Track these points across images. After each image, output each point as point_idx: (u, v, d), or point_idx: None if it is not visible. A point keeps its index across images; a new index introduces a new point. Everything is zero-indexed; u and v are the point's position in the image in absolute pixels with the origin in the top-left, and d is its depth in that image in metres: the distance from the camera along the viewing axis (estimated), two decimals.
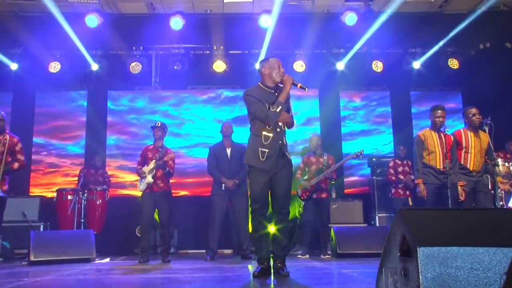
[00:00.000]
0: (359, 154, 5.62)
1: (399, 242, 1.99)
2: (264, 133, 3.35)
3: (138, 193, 6.92)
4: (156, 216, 5.50)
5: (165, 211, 5.18)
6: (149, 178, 5.15)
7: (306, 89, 3.36)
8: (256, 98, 3.37)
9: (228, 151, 5.58)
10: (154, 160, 5.21)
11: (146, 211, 5.11)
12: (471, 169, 4.57)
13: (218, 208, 5.48)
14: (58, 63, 7.12)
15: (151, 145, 5.41)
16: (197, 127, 7.61)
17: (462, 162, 4.61)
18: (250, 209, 3.48)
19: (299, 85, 3.35)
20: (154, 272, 4.08)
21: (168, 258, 5.14)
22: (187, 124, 7.60)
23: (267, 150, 3.33)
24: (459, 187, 4.44)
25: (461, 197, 4.41)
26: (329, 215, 5.97)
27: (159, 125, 5.35)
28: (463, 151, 4.62)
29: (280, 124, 3.39)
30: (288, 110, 3.45)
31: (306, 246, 5.67)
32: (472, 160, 4.57)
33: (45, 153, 7.42)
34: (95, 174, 6.59)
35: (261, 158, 3.32)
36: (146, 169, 5.22)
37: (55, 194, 6.11)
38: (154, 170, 5.17)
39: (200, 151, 7.33)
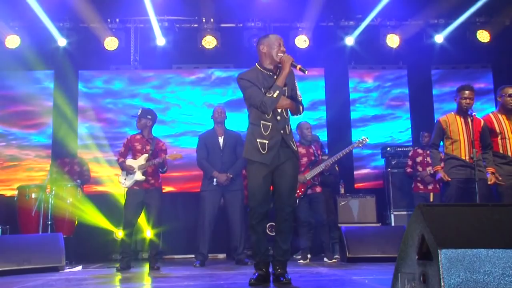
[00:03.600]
0: (362, 141, 5.61)
1: (417, 244, 1.98)
2: (263, 122, 3.35)
3: (115, 189, 6.91)
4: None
5: (156, 211, 5.15)
6: (140, 175, 5.08)
7: (306, 71, 3.35)
8: (250, 82, 3.36)
9: (221, 140, 5.57)
10: (145, 155, 5.14)
11: (131, 210, 5.07)
12: None
13: (209, 206, 5.47)
14: (18, 37, 7.03)
15: (138, 134, 5.31)
16: (184, 113, 7.58)
17: (501, 151, 4.55)
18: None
19: (298, 66, 3.35)
20: (134, 281, 4.07)
21: (157, 264, 5.12)
22: (173, 109, 7.57)
23: (266, 141, 3.33)
24: (489, 174, 4.41)
25: (489, 182, 4.39)
26: (330, 212, 5.97)
27: (139, 112, 5.26)
28: (499, 137, 4.58)
29: (280, 111, 3.36)
30: (294, 94, 3.42)
31: (306, 250, 5.69)
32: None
33: (3, 143, 7.38)
34: (71, 163, 6.53)
35: (261, 150, 3.33)
36: (134, 163, 5.14)
37: (16, 192, 6.05)
38: (146, 167, 5.10)
39: (188, 141, 7.31)
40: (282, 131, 3.36)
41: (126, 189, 5.18)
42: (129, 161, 5.18)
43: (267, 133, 3.33)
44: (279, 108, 3.36)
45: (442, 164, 4.62)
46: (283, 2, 6.99)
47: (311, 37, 7.33)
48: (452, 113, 4.66)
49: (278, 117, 3.36)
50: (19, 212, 5.93)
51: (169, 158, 5.14)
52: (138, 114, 5.27)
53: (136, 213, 5.13)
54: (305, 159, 5.69)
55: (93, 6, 6.99)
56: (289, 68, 3.35)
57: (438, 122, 4.67)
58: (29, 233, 5.68)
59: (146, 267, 5.47)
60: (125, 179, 5.18)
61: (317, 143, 6.02)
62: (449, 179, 4.44)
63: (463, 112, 4.54)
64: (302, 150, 5.75)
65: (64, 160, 6.55)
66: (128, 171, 5.13)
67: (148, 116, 5.26)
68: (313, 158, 5.69)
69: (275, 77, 3.39)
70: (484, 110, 7.38)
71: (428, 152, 6.20)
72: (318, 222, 5.69)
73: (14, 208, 6.00)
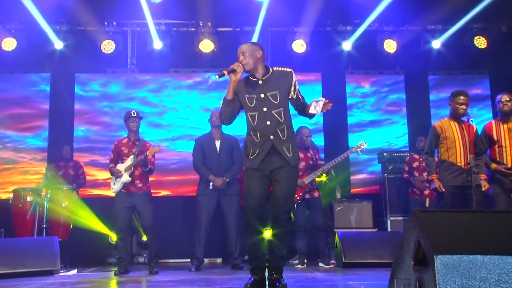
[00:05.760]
0: (360, 146, 5.64)
1: (413, 249, 1.98)
2: (252, 129, 3.39)
3: (110, 193, 6.88)
4: (135, 222, 5.48)
5: (148, 215, 5.12)
6: (126, 177, 5.08)
7: (217, 76, 3.32)
8: (236, 94, 3.41)
9: (218, 143, 5.57)
10: (131, 156, 5.14)
11: (121, 215, 5.06)
12: (509, 165, 4.56)
13: (204, 211, 5.46)
14: (14, 40, 7.00)
15: (125, 138, 5.31)
16: (181, 117, 7.57)
17: (497, 159, 4.63)
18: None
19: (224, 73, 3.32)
20: (129, 285, 4.06)
21: (156, 269, 5.08)
22: (169, 113, 7.57)
23: (257, 148, 3.35)
24: (482, 180, 4.44)
25: (483, 188, 4.41)
26: (327, 217, 5.97)
27: (134, 114, 5.24)
28: (497, 145, 4.63)
29: (270, 114, 3.33)
30: (295, 96, 3.39)
31: (303, 254, 5.69)
32: (509, 155, 4.57)
33: None
34: (65, 167, 6.53)
35: (249, 156, 3.38)
36: (121, 166, 5.14)
37: (11, 195, 6.03)
38: (132, 168, 5.10)
39: (184, 144, 7.30)
40: (272, 136, 3.35)
41: (115, 193, 5.17)
42: (118, 166, 5.18)
43: (257, 140, 3.35)
44: (266, 112, 3.34)
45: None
46: (280, 7, 7.00)
47: (308, 42, 7.34)
48: (446, 118, 4.67)
49: (268, 122, 3.36)
50: (14, 215, 5.90)
51: (149, 154, 5.07)
52: (135, 115, 5.22)
53: (125, 218, 5.11)
54: (303, 164, 5.70)
55: (90, 9, 6.98)
56: (231, 77, 3.31)
57: (433, 127, 4.66)
58: (24, 236, 5.65)
59: (143, 271, 5.46)
60: (114, 184, 5.17)
61: (315, 148, 6.03)
62: (444, 190, 4.46)
63: (458, 117, 4.56)
64: (300, 155, 5.75)
65: (58, 163, 6.58)
66: (116, 175, 5.11)
67: (141, 119, 5.30)
68: (311, 162, 5.70)
69: (259, 82, 3.39)
70: (481, 116, 7.41)
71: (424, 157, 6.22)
72: (315, 227, 5.70)
73: (9, 211, 5.97)
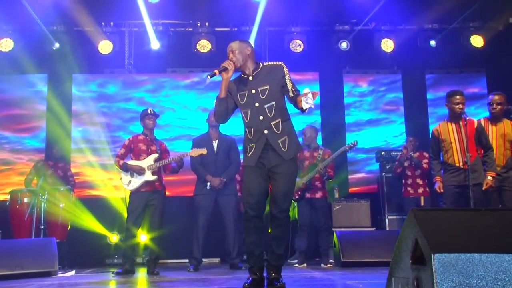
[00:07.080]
0: (352, 146, 5.66)
1: (410, 248, 1.98)
2: (247, 125, 3.41)
3: (108, 193, 6.88)
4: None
5: (159, 214, 5.11)
6: (150, 175, 5.03)
7: (208, 75, 3.32)
8: (230, 92, 3.44)
9: (215, 144, 5.56)
10: (156, 155, 5.10)
11: (137, 213, 5.01)
12: (496, 162, 4.60)
13: (202, 211, 5.47)
14: (11, 40, 7.00)
15: (140, 134, 5.27)
16: (179, 117, 7.57)
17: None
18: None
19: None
20: (128, 286, 4.05)
21: (157, 269, 5.05)
22: (167, 113, 7.56)
23: (253, 145, 3.36)
24: (488, 177, 4.45)
25: (484, 186, 4.43)
26: (328, 217, 6.00)
27: (151, 112, 5.24)
28: None
29: (262, 109, 3.32)
30: (286, 90, 3.35)
31: (303, 253, 5.70)
32: (494, 153, 4.62)
33: None
34: (54, 166, 6.49)
35: (247, 153, 3.38)
36: (142, 163, 5.07)
37: (8, 197, 6.02)
38: (157, 167, 5.05)
39: (182, 144, 7.30)
40: (266, 131, 3.34)
41: (129, 192, 5.10)
42: (133, 162, 5.11)
43: (251, 136, 3.37)
44: (258, 107, 3.34)
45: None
46: (278, 7, 6.99)
47: (306, 41, 7.35)
48: (444, 120, 4.71)
49: (261, 117, 3.35)
50: (11, 216, 5.89)
51: (191, 155, 5.14)
52: (152, 113, 5.23)
53: (140, 217, 5.09)
54: (307, 163, 5.72)
55: (87, 9, 6.96)
56: (223, 76, 3.33)
57: (432, 132, 4.78)
58: (21, 237, 5.64)
59: (141, 271, 5.46)
60: (129, 181, 5.07)
61: (326, 149, 5.94)
62: (442, 190, 4.54)
63: (456, 117, 4.57)
64: (306, 154, 5.79)
65: (48, 162, 6.53)
66: (138, 172, 5.03)
67: (157, 114, 5.33)
68: (314, 161, 5.71)
69: (249, 78, 3.40)
70: (478, 114, 7.40)
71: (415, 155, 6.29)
72: (316, 227, 5.72)
73: (6, 213, 5.96)
